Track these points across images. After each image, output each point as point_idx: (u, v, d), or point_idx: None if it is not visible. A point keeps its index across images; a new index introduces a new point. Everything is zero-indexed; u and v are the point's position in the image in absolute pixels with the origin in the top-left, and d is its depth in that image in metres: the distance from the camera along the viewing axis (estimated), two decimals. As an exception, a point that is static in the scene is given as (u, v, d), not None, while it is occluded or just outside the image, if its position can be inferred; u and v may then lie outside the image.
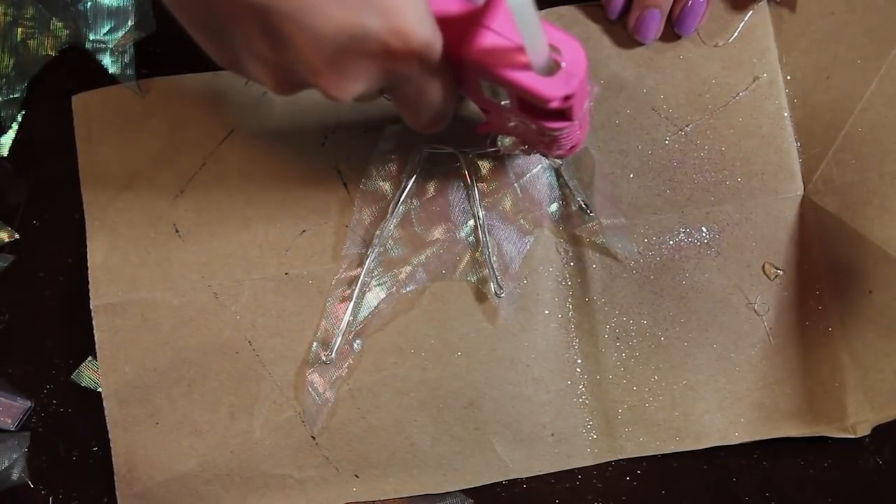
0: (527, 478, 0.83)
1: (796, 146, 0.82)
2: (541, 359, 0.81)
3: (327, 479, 0.82)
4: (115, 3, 0.83)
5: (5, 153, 0.84)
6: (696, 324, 0.82)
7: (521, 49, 0.57)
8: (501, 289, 0.80)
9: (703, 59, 0.82)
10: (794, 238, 0.82)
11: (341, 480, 0.82)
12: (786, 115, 0.82)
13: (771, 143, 0.82)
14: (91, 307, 0.81)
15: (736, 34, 0.82)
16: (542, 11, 0.83)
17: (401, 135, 0.82)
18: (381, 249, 0.81)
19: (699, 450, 0.82)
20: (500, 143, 0.74)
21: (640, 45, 0.82)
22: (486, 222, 0.81)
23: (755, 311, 0.82)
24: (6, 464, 0.82)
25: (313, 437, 0.81)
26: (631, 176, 0.82)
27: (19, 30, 0.84)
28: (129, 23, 0.84)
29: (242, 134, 0.82)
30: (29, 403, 0.83)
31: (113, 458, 0.81)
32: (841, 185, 0.80)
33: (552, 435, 0.81)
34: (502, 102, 0.63)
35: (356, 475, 0.82)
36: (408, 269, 0.82)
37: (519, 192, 0.82)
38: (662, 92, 0.82)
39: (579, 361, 0.82)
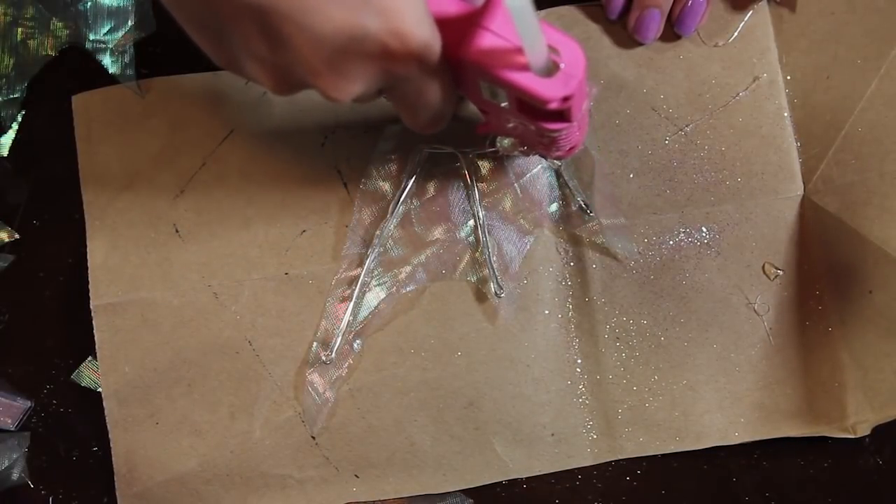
0: (527, 478, 0.83)
1: (796, 146, 0.82)
2: (541, 359, 0.81)
3: (327, 479, 0.82)
4: (115, 3, 0.84)
5: (5, 153, 0.84)
6: (696, 324, 0.82)
7: (519, 50, 0.57)
8: (501, 289, 0.80)
9: (703, 59, 0.82)
10: (794, 238, 0.82)
11: (341, 480, 0.82)
12: (786, 115, 0.82)
13: (771, 143, 0.82)
14: (91, 307, 0.81)
15: (736, 34, 0.82)
16: (542, 12, 0.83)
17: (401, 135, 0.82)
18: (381, 249, 0.81)
19: (699, 450, 0.82)
20: (498, 144, 0.74)
21: (640, 45, 0.82)
22: (486, 222, 0.81)
23: (755, 311, 0.82)
24: (6, 464, 0.82)
25: (313, 437, 0.81)
26: (631, 176, 0.82)
27: (19, 30, 0.84)
28: (129, 23, 0.84)
29: (242, 134, 0.82)
30: (29, 403, 0.83)
31: (113, 458, 0.81)
32: (841, 185, 0.80)
33: (552, 435, 0.81)
34: (501, 104, 0.63)
35: (356, 475, 0.82)
36: (408, 269, 0.82)
37: (519, 192, 0.82)
38: (662, 92, 0.82)
39: (579, 361, 0.82)
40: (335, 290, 0.81)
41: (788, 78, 0.82)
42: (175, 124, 0.83)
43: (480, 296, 0.81)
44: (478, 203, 0.81)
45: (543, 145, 0.69)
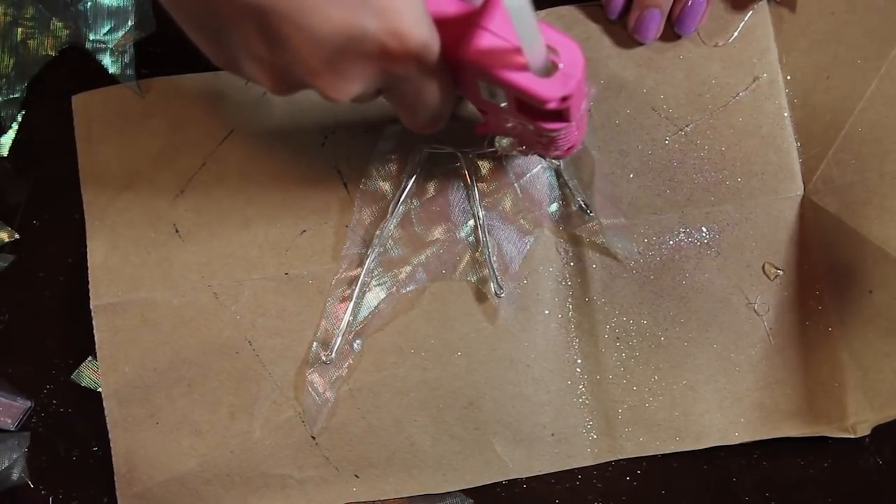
0: (527, 478, 0.83)
1: (796, 146, 0.82)
2: (541, 359, 0.81)
3: (327, 479, 0.82)
4: (115, 3, 0.84)
5: (5, 153, 0.84)
6: (696, 324, 0.82)
7: (518, 50, 0.57)
8: (501, 289, 0.80)
9: (703, 59, 0.82)
10: (794, 238, 0.82)
11: (341, 480, 0.82)
12: (786, 115, 0.82)
13: (771, 143, 0.82)
14: (91, 307, 0.81)
15: (736, 34, 0.82)
16: (542, 12, 0.83)
17: (401, 135, 0.82)
18: (381, 249, 0.81)
19: (699, 450, 0.82)
20: (497, 144, 0.74)
21: (640, 45, 0.82)
22: (486, 222, 0.81)
23: (755, 311, 0.82)
24: (6, 464, 0.82)
25: (313, 437, 0.81)
26: (631, 176, 0.82)
27: (19, 30, 0.84)
28: (129, 23, 0.84)
29: (242, 134, 0.82)
30: (29, 403, 0.83)
31: (113, 458, 0.81)
32: (841, 185, 0.80)
33: (552, 435, 0.81)
34: (500, 104, 0.63)
35: (356, 475, 0.82)
36: (408, 269, 0.82)
37: (519, 192, 0.82)
38: (662, 92, 0.82)
39: (579, 361, 0.82)
40: (335, 290, 0.81)
41: (788, 78, 0.82)
42: (175, 124, 0.83)
43: (480, 296, 0.81)
44: (478, 203, 0.81)
45: (542, 145, 0.69)
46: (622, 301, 0.82)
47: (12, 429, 0.82)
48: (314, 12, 0.52)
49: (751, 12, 0.82)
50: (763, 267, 0.82)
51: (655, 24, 0.80)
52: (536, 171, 0.82)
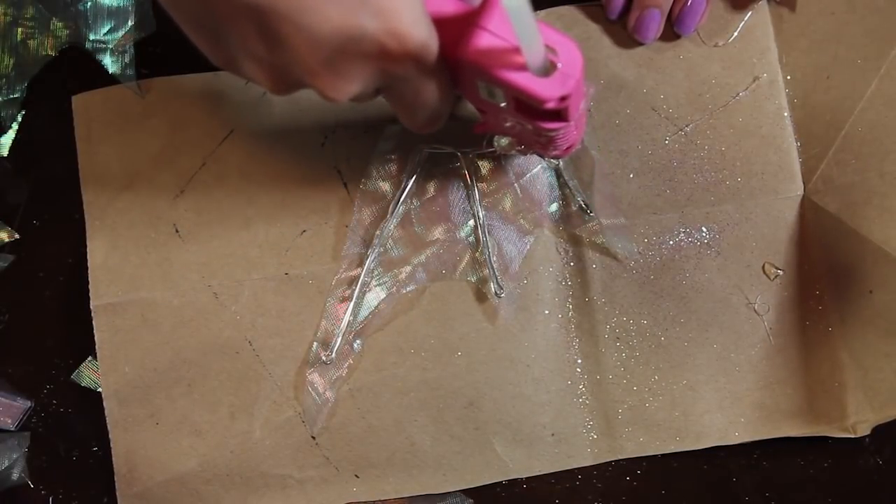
0: (527, 478, 0.83)
1: (796, 146, 0.82)
2: (541, 359, 0.81)
3: (327, 479, 0.82)
4: (115, 3, 0.84)
5: (5, 153, 0.84)
6: (696, 324, 0.82)
7: (517, 50, 0.56)
8: (501, 289, 0.80)
9: (703, 59, 0.82)
10: (794, 238, 0.82)
11: (341, 480, 0.82)
12: (786, 115, 0.82)
13: (771, 143, 0.82)
14: (91, 307, 0.81)
15: (736, 34, 0.82)
16: (542, 12, 0.83)
17: (401, 135, 0.82)
18: (381, 249, 0.81)
19: (699, 450, 0.82)
20: (496, 144, 0.74)
21: (640, 45, 0.82)
22: (486, 222, 0.81)
23: (755, 311, 0.82)
24: (6, 464, 0.82)
25: (313, 437, 0.81)
26: (631, 176, 0.82)
27: (19, 30, 0.84)
28: (129, 23, 0.84)
29: (242, 134, 0.82)
30: (29, 403, 0.83)
31: (113, 458, 0.81)
32: (841, 185, 0.80)
33: (552, 435, 0.81)
34: (499, 103, 0.63)
35: (356, 475, 0.82)
36: (408, 269, 0.82)
37: (519, 192, 0.82)
38: (662, 92, 0.82)
39: (579, 361, 0.82)
40: (335, 290, 0.81)
41: (788, 78, 0.82)
42: (175, 124, 0.83)
43: (480, 296, 0.81)
44: (478, 203, 0.81)
45: (541, 144, 0.69)
46: (622, 301, 0.82)
47: (12, 429, 0.82)
48: (313, 12, 0.52)
49: (751, 12, 0.82)
50: (763, 267, 0.82)
51: (655, 24, 0.80)
52: (536, 171, 0.82)
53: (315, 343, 0.81)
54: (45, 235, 0.84)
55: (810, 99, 0.82)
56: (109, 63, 0.83)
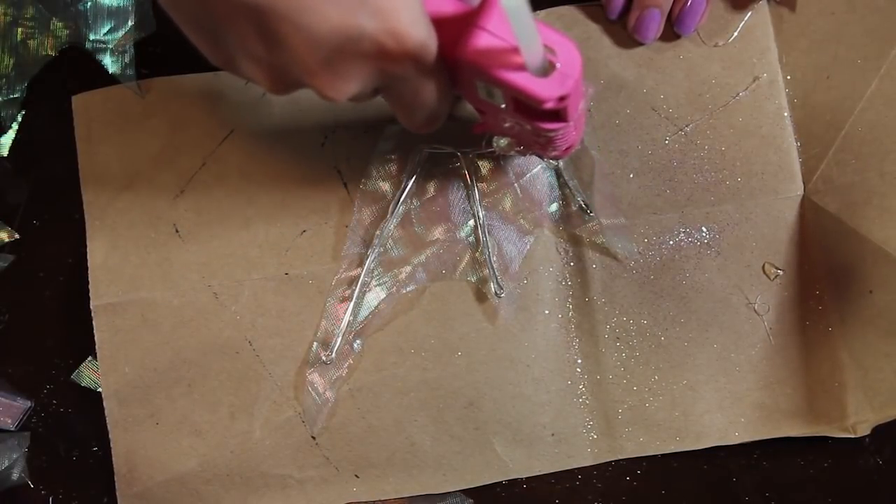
0: (527, 478, 0.83)
1: (796, 146, 0.82)
2: (541, 359, 0.81)
3: (327, 479, 0.82)
4: (115, 3, 0.84)
5: (5, 153, 0.84)
6: (696, 324, 0.82)
7: (515, 50, 0.56)
8: (501, 289, 0.80)
9: (703, 59, 0.82)
10: (794, 238, 0.82)
11: (341, 480, 0.82)
12: (786, 115, 0.82)
13: (771, 143, 0.82)
14: (91, 307, 0.81)
15: (736, 34, 0.82)
16: (542, 12, 0.83)
17: (401, 135, 0.82)
18: (381, 249, 0.81)
19: (699, 450, 0.82)
20: (495, 144, 0.74)
21: (640, 45, 0.82)
22: (486, 222, 0.81)
23: (755, 311, 0.82)
24: (6, 464, 0.82)
25: (313, 437, 0.81)
26: (631, 176, 0.82)
27: (19, 30, 0.84)
28: (129, 23, 0.84)
29: (242, 134, 0.83)
30: (29, 403, 0.83)
31: (113, 458, 0.81)
32: (841, 185, 0.80)
33: (552, 435, 0.81)
34: (498, 104, 0.63)
35: (356, 475, 0.82)
36: (408, 269, 0.82)
37: (519, 192, 0.82)
38: (662, 92, 0.82)
39: (579, 361, 0.82)
40: (335, 290, 0.81)
41: (788, 78, 0.82)
42: (175, 124, 0.83)
43: (480, 296, 0.81)
44: (478, 203, 0.81)
45: (540, 145, 0.69)
46: (622, 301, 0.82)
47: (12, 429, 0.82)
48: (312, 12, 0.52)
49: (751, 12, 0.82)
50: (763, 267, 0.82)
51: (655, 24, 0.80)
52: (536, 171, 0.82)
53: (315, 343, 0.81)
54: (45, 235, 0.84)
55: (810, 99, 0.82)
56: (109, 63, 0.83)
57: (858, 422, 0.80)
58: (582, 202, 0.81)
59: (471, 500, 0.83)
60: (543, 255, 0.82)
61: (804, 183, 0.82)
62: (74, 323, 0.82)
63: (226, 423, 0.81)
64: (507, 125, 0.68)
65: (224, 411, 0.81)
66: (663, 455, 0.82)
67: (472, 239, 0.82)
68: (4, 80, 0.84)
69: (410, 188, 0.81)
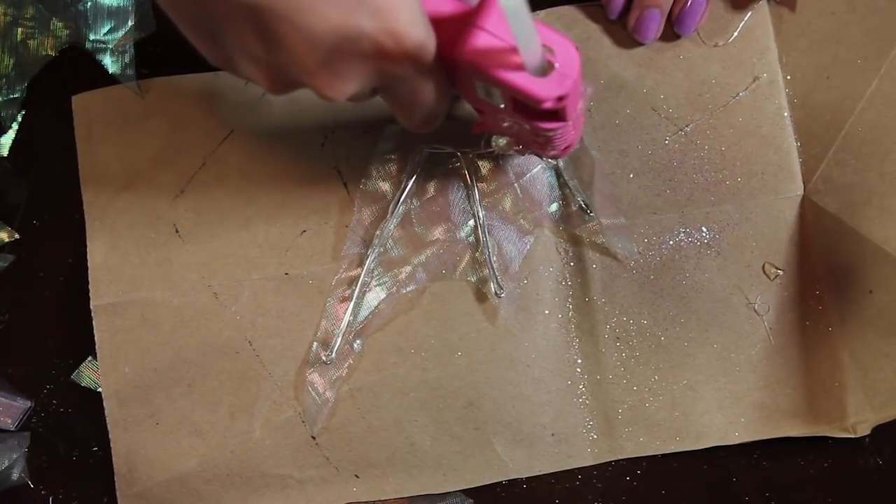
0: (527, 478, 0.83)
1: (796, 146, 0.82)
2: (541, 359, 0.81)
3: (327, 479, 0.82)
4: (115, 3, 0.84)
5: (5, 153, 0.84)
6: (696, 324, 0.82)
7: (514, 50, 0.56)
8: (501, 289, 0.80)
9: (703, 59, 0.82)
10: (794, 238, 0.82)
11: (341, 480, 0.82)
12: (786, 115, 0.82)
13: (771, 143, 0.82)
14: (91, 307, 0.81)
15: (736, 34, 0.82)
16: (542, 12, 0.83)
17: (401, 135, 0.82)
18: (381, 249, 0.81)
19: (699, 450, 0.82)
20: (494, 143, 0.74)
21: (640, 45, 0.82)
22: (486, 222, 0.81)
23: (755, 311, 0.82)
24: (6, 464, 0.82)
25: (313, 437, 0.81)
26: (631, 176, 0.82)
27: (19, 30, 0.84)
28: (129, 23, 0.84)
29: (242, 134, 0.83)
30: (29, 403, 0.83)
31: (113, 458, 0.81)
32: (841, 185, 0.80)
33: (552, 435, 0.81)
34: (497, 103, 0.63)
35: (356, 475, 0.82)
36: (408, 269, 0.82)
37: (519, 192, 0.82)
38: (662, 92, 0.82)
39: (579, 361, 0.82)
40: (335, 290, 0.81)
41: (788, 78, 0.82)
42: (175, 124, 0.83)
43: (480, 296, 0.81)
44: (478, 203, 0.81)
45: (539, 144, 0.69)
46: (622, 301, 0.82)
47: (12, 429, 0.82)
48: (310, 12, 0.52)
49: (751, 12, 0.82)
50: (763, 267, 0.82)
51: (655, 24, 0.80)
52: (536, 171, 0.82)
53: (315, 343, 0.81)
54: (45, 235, 0.84)
55: (810, 99, 0.82)
56: (109, 63, 0.83)
57: (858, 422, 0.79)
58: (582, 202, 0.81)
59: (471, 500, 0.83)
60: (543, 255, 0.82)
61: (804, 183, 0.82)
62: (74, 323, 0.82)
63: (226, 423, 0.81)
64: (505, 125, 0.68)
65: (224, 411, 0.81)
66: (663, 455, 0.82)
67: (472, 239, 0.82)
68: (4, 80, 0.84)
69: (410, 188, 0.81)
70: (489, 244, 0.81)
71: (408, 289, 0.81)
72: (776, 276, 0.82)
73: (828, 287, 0.81)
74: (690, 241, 0.82)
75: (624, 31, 0.82)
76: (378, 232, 0.81)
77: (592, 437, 0.82)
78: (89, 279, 0.81)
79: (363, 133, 0.82)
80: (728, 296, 0.82)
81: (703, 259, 0.82)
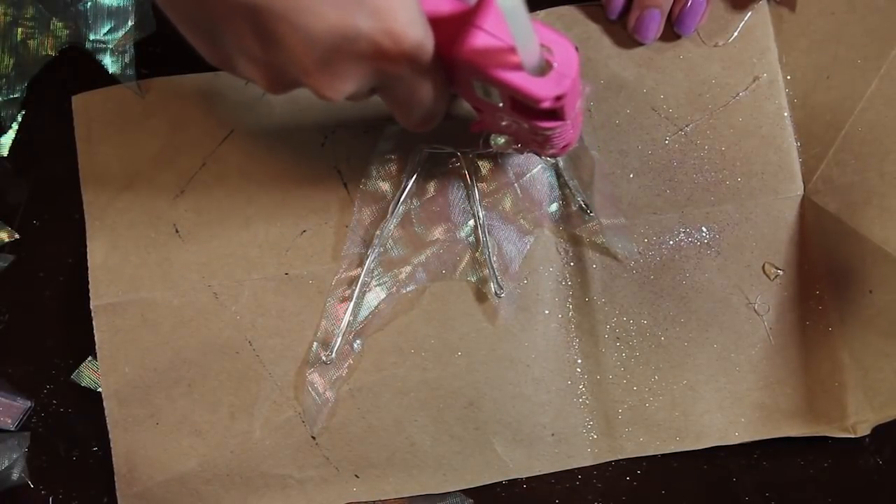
0: (527, 478, 0.83)
1: (796, 146, 0.82)
2: (541, 359, 0.81)
3: (327, 479, 0.82)
4: (115, 3, 0.84)
5: (5, 153, 0.84)
6: (696, 324, 0.82)
7: (512, 49, 0.56)
8: (501, 289, 0.80)
9: (703, 59, 0.82)
10: (794, 238, 0.82)
11: (341, 480, 0.82)
12: (786, 115, 0.82)
13: (771, 143, 0.82)
14: (91, 307, 0.81)
15: (736, 34, 0.82)
16: (542, 12, 0.83)
17: (400, 135, 0.82)
18: (381, 249, 0.81)
19: (699, 450, 0.82)
20: (493, 142, 0.74)
21: (640, 45, 0.82)
22: (486, 222, 0.81)
23: (755, 311, 0.82)
24: (6, 464, 0.82)
25: (313, 437, 0.81)
26: (631, 176, 0.82)
27: (19, 30, 0.84)
28: (129, 23, 0.84)
29: (242, 134, 0.83)
30: (29, 403, 0.83)
31: (113, 458, 0.81)
32: (841, 185, 0.80)
33: (552, 435, 0.81)
34: (495, 102, 0.63)
35: (356, 475, 0.82)
36: (408, 269, 0.82)
37: (519, 192, 0.82)
38: (662, 92, 0.82)
39: (579, 361, 0.82)
40: (335, 290, 0.81)
41: (788, 78, 0.82)
42: (175, 124, 0.83)
43: (480, 296, 0.81)
44: (478, 203, 0.81)
45: (537, 143, 0.69)
46: (622, 301, 0.82)
47: (12, 429, 0.82)
48: (309, 12, 0.52)
49: (751, 12, 0.82)
50: (763, 267, 0.82)
51: (655, 24, 0.80)
52: (536, 170, 0.82)
53: (315, 343, 0.81)
54: (45, 235, 0.84)
55: (810, 99, 0.81)
56: (109, 63, 0.83)
57: (858, 422, 0.79)
58: (582, 202, 0.81)
59: (471, 500, 0.83)
60: (543, 255, 0.82)
61: (804, 183, 0.82)
62: (74, 323, 0.82)
63: (226, 423, 0.81)
64: (504, 124, 0.68)
65: (224, 411, 0.81)
66: (663, 455, 0.82)
67: (472, 239, 0.82)
68: (4, 80, 0.84)
69: (410, 188, 0.81)
70: (489, 244, 0.81)
71: (408, 289, 0.81)
72: (776, 276, 0.82)
73: (828, 287, 0.81)
74: (690, 241, 0.82)
75: (624, 31, 0.82)
76: (378, 232, 0.81)
77: (592, 437, 0.82)
78: (89, 279, 0.81)
79: (363, 133, 0.82)
80: (728, 296, 0.82)
81: (703, 259, 0.82)
